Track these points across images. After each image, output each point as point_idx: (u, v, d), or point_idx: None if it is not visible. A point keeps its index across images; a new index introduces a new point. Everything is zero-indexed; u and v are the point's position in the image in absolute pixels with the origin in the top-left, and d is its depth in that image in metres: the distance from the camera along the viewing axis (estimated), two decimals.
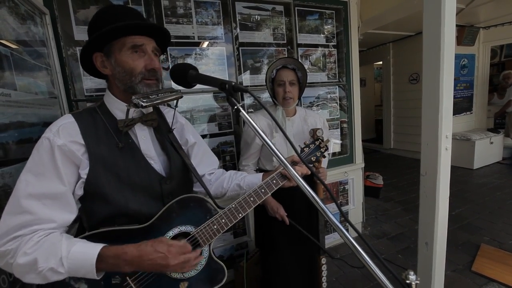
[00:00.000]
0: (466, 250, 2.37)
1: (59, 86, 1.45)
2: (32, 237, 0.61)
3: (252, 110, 2.07)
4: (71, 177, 0.69)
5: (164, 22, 1.77)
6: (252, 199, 0.86)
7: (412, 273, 0.49)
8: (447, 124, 1.13)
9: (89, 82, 1.60)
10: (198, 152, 1.00)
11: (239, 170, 1.39)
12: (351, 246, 0.58)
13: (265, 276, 1.58)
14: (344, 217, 0.97)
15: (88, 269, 0.61)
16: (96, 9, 1.55)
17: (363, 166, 2.56)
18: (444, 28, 1.09)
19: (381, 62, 6.28)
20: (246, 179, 1.00)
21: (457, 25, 4.78)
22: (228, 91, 0.64)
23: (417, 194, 3.66)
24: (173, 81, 0.77)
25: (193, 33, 1.88)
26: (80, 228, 0.80)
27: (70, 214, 0.69)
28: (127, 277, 0.69)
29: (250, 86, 2.09)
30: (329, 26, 2.36)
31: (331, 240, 2.51)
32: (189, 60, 1.88)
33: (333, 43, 2.39)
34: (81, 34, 1.55)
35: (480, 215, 2.98)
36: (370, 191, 3.47)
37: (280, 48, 2.16)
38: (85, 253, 0.62)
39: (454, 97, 4.91)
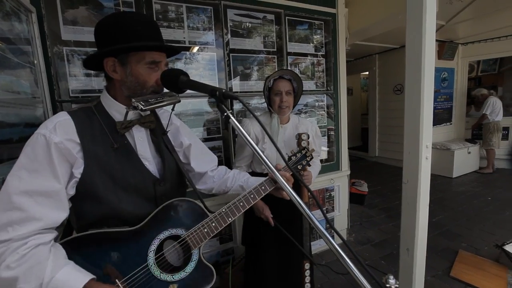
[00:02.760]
0: (445, 256, 2.46)
1: (43, 85, 1.41)
2: (18, 247, 0.58)
3: (241, 117, 2.09)
4: (65, 175, 0.67)
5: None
6: (241, 204, 0.87)
7: (391, 277, 0.51)
8: (428, 134, 1.18)
9: (75, 83, 1.57)
10: (196, 152, 1.01)
11: None
12: (334, 252, 0.60)
13: (248, 276, 1.58)
14: (329, 224, 0.99)
15: None
16: (86, 10, 1.55)
17: (349, 173, 2.62)
18: (424, 43, 1.15)
19: (367, 73, 6.48)
20: (249, 181, 1.02)
21: (437, 40, 5.05)
22: (219, 98, 0.65)
23: (400, 201, 3.76)
24: (164, 86, 0.77)
25: (184, 37, 1.88)
26: (67, 229, 0.77)
27: (63, 212, 0.66)
28: (117, 280, 0.67)
29: (240, 92, 2.10)
30: (318, 36, 2.42)
31: (317, 246, 2.53)
32: (180, 64, 1.88)
33: (321, 53, 2.45)
34: (68, 34, 1.52)
35: (458, 222, 3.10)
36: (355, 198, 3.53)
37: (270, 56, 2.19)
38: (67, 285, 0.58)
39: (435, 108, 5.16)
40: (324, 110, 2.47)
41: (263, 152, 1.36)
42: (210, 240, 2.02)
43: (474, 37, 5.17)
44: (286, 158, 1.17)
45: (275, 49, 2.21)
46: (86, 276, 0.60)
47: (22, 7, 1.29)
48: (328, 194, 2.47)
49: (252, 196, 0.89)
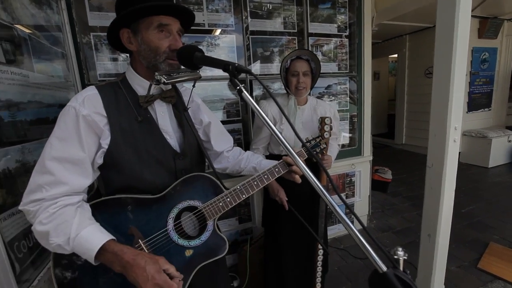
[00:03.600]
0: (474, 248, 2.33)
1: (74, 70, 1.51)
2: (49, 206, 0.66)
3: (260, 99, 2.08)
4: (92, 146, 0.73)
5: None
6: (255, 183, 0.90)
7: (400, 249, 0.51)
8: (457, 116, 1.11)
9: (102, 67, 1.65)
10: (215, 131, 1.04)
11: None
12: (349, 231, 0.60)
13: (266, 256, 1.62)
14: (348, 208, 0.98)
15: (88, 256, 0.65)
16: None
17: (371, 159, 2.54)
18: (458, 18, 1.06)
19: (396, 55, 6.09)
20: (262, 163, 1.04)
21: (479, 17, 4.59)
22: (232, 72, 0.65)
23: None
24: (180, 63, 0.79)
25: (204, 20, 1.88)
26: (96, 195, 0.84)
27: (86, 179, 0.72)
28: (139, 240, 0.73)
29: (260, 75, 2.09)
30: (341, 16, 2.31)
31: (335, 231, 2.52)
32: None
33: (345, 33, 2.34)
34: (95, 20, 1.59)
35: (492, 213, 2.91)
36: (378, 185, 3.43)
37: (290, 37, 2.14)
38: (89, 242, 0.64)
39: (472, 93, 4.76)
40: (347, 94, 2.38)
41: (280, 133, 1.36)
42: (229, 220, 2.09)
43: None
44: (311, 139, 1.16)
45: (295, 30, 2.15)
46: (106, 237, 0.66)
47: None
48: (349, 179, 2.43)
49: (266, 176, 0.91)
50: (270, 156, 1.55)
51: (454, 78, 1.07)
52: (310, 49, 2.20)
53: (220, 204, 0.84)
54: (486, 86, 4.90)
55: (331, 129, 1.27)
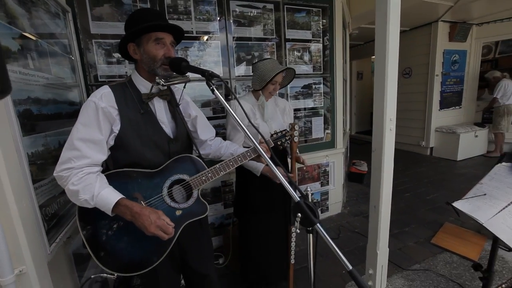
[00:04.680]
0: (431, 227, 2.67)
1: (79, 73, 1.74)
2: (78, 172, 0.91)
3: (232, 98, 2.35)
4: (107, 131, 0.98)
5: (167, 19, 2.04)
6: (231, 163, 1.16)
7: (308, 188, 0.78)
8: (391, 108, 1.40)
9: (101, 70, 1.89)
10: (200, 123, 1.32)
11: None
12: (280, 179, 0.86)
13: (243, 241, 1.87)
14: (293, 184, 1.25)
15: (106, 208, 0.91)
16: (109, 7, 1.85)
17: (344, 151, 2.85)
18: (388, 27, 1.35)
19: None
20: (238, 150, 1.31)
21: (449, 22, 4.97)
22: (207, 77, 0.92)
23: (399, 182, 3.96)
24: (171, 70, 1.05)
25: (192, 28, 2.14)
26: (105, 171, 1.09)
27: (103, 155, 0.98)
28: (141, 201, 0.99)
29: (243, 76, 2.36)
30: (315, 23, 2.60)
31: None
32: (189, 52, 2.15)
33: (319, 39, 2.63)
34: (95, 28, 1.83)
35: (452, 200, 3.25)
36: (355, 177, 3.76)
37: (269, 43, 2.42)
38: (108, 198, 0.90)
39: (444, 92, 5.16)
40: (321, 93, 2.68)
41: (257, 127, 1.63)
42: (215, 205, 2.36)
43: (490, 16, 4.98)
44: (273, 132, 1.43)
45: (274, 36, 2.43)
46: (120, 195, 0.93)
47: (60, 7, 1.60)
48: (323, 169, 2.73)
49: (239, 159, 1.18)
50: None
51: (387, 79, 1.37)
52: (287, 52, 2.48)
53: (203, 178, 1.11)
54: (456, 86, 5.31)
55: (299, 133, 1.56)
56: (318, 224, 0.72)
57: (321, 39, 2.64)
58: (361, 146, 6.39)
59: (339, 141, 2.76)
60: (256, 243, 1.78)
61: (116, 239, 0.98)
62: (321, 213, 2.85)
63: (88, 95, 1.73)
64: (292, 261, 1.72)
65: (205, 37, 2.20)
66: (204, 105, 2.25)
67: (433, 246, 2.37)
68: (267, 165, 1.17)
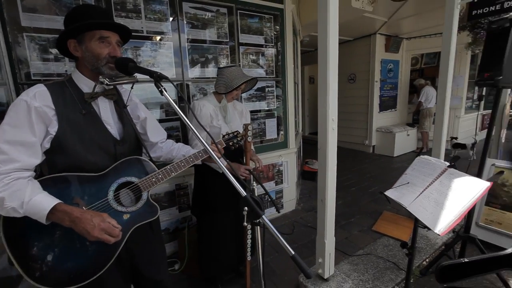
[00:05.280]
0: (373, 216, 2.99)
1: (6, 69, 1.55)
2: (4, 178, 0.82)
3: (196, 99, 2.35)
4: (41, 133, 0.90)
5: (114, 16, 1.93)
6: (182, 164, 1.16)
7: (254, 183, 0.84)
8: (333, 110, 1.56)
9: (35, 67, 1.71)
10: (150, 125, 1.28)
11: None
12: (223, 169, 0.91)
13: (202, 239, 1.88)
14: (256, 180, 1.31)
15: (40, 216, 0.83)
16: None
17: (296, 150, 3.02)
18: (329, 37, 1.51)
19: None
20: (190, 152, 1.30)
21: (384, 35, 5.62)
22: (155, 78, 0.92)
23: (346, 178, 4.30)
24: (118, 70, 1.01)
25: (142, 27, 2.07)
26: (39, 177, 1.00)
27: (35, 159, 0.90)
28: (83, 207, 0.93)
29: (198, 78, 2.36)
30: (268, 29, 2.72)
31: (267, 214, 2.92)
32: (141, 52, 2.07)
33: (271, 44, 2.76)
34: (27, 20, 1.65)
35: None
36: (308, 175, 4.00)
37: (223, 46, 2.46)
38: (41, 204, 0.83)
39: (382, 96, 5.79)
40: (274, 96, 2.81)
41: (220, 128, 1.67)
42: (170, 209, 2.30)
43: (416, 32, 5.76)
44: (225, 133, 1.47)
45: (228, 40, 2.48)
46: (56, 200, 0.86)
47: None
48: (277, 168, 2.86)
49: (191, 159, 1.19)
50: None
51: (329, 83, 1.52)
52: (240, 56, 2.55)
53: (153, 179, 1.09)
54: (392, 91, 6.02)
55: (252, 134, 1.64)
56: (263, 216, 0.78)
57: (273, 44, 2.77)
58: (313, 146, 6.77)
59: (292, 141, 2.92)
60: (216, 240, 1.81)
61: (53, 251, 0.90)
62: (276, 211, 2.97)
63: (18, 95, 1.55)
64: (249, 258, 1.78)
65: (158, 37, 2.14)
66: (156, 107, 2.19)
67: (373, 233, 2.66)
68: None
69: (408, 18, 5.00)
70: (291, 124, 2.91)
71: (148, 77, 0.94)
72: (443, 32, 2.61)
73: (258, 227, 1.04)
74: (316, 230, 1.85)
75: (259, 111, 2.78)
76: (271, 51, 2.78)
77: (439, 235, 1.19)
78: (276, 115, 2.85)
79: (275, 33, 2.77)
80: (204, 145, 0.93)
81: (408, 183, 1.51)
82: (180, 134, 2.29)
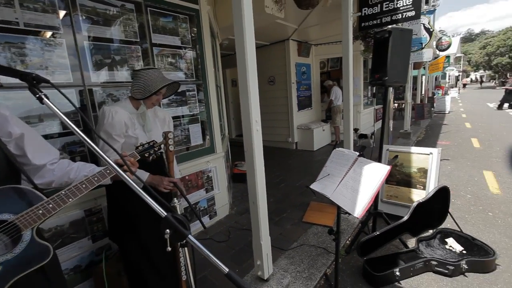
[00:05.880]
0: (302, 208, 3.20)
1: None
2: None
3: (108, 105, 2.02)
4: None
5: None
6: (84, 186, 0.93)
7: (175, 199, 0.74)
8: (255, 111, 1.56)
9: None
10: (31, 143, 0.97)
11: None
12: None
13: (128, 264, 1.61)
14: (181, 194, 1.18)
15: None
16: None
17: (224, 154, 2.97)
18: (246, 44, 1.50)
19: None
20: (95, 170, 1.05)
21: (296, 41, 6.16)
22: (30, 82, 0.70)
23: (275, 175, 4.48)
24: None
25: (17, 18, 1.64)
26: None
27: None
28: None
29: (105, 82, 2.03)
30: (183, 30, 2.57)
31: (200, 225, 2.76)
32: (14, 51, 1.63)
33: (189, 46, 2.62)
34: None
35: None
36: (238, 177, 4.00)
37: (132, 46, 2.19)
38: None
39: (299, 96, 6.31)
40: (196, 100, 2.68)
41: (137, 138, 1.44)
42: (79, 242, 1.89)
43: (322, 39, 6.52)
44: (139, 144, 1.28)
45: (138, 39, 2.22)
46: None
47: None
48: (206, 175, 2.74)
49: (96, 179, 0.96)
50: None
51: (249, 86, 1.51)
52: (155, 58, 2.33)
53: (40, 211, 0.83)
54: (307, 91, 6.65)
55: (174, 142, 1.49)
56: (190, 236, 0.68)
57: (192, 47, 2.64)
58: (241, 148, 6.83)
59: (218, 145, 2.85)
60: (145, 261, 1.56)
61: None
62: (210, 219, 2.85)
63: None
64: (184, 278, 1.62)
65: (49, 34, 1.74)
66: (52, 118, 1.77)
67: (304, 224, 2.84)
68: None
69: (314, 27, 5.62)
70: (216, 128, 2.83)
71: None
72: (342, 40, 3.01)
73: (185, 248, 0.92)
74: (250, 230, 1.83)
75: (182, 116, 2.61)
76: (190, 54, 2.64)
77: (358, 218, 1.32)
78: (200, 119, 2.73)
79: (193, 35, 2.65)
80: (108, 162, 0.77)
81: (329, 174, 1.64)
82: (85, 149, 1.92)
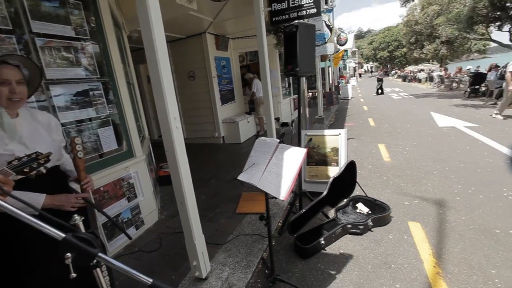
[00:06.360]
0: (235, 201, 3.24)
1: None
2: None
3: None
4: None
5: None
6: None
7: (76, 215, 0.64)
8: (173, 108, 1.47)
9: None
10: None
11: None
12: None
13: None
14: (96, 208, 1.01)
15: None
16: None
17: (145, 158, 2.73)
18: (155, 38, 1.38)
19: None
20: None
21: (214, 34, 6.08)
22: None
23: (204, 172, 4.40)
24: None
25: None
26: None
27: None
28: None
29: None
30: (77, 18, 2.19)
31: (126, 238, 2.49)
32: None
33: (86, 37, 2.25)
34: None
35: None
36: (165, 180, 3.75)
37: (3, 35, 1.74)
38: None
39: (221, 90, 6.30)
40: (104, 99, 2.35)
41: (12, 154, 1.10)
42: None
43: (239, 33, 6.58)
44: (22, 157, 1.01)
45: (10, 27, 1.78)
46: None
47: None
48: (126, 182, 2.47)
49: None
50: None
51: (163, 81, 1.41)
52: (40, 51, 1.92)
53: None
54: (229, 85, 6.69)
55: (83, 148, 1.25)
56: (100, 254, 0.59)
57: (90, 38, 2.27)
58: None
59: (138, 148, 2.59)
60: None
61: None
62: (136, 229, 2.59)
63: None
64: None
65: None
66: None
67: (238, 215, 2.89)
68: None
69: (230, 20, 5.65)
70: (133, 129, 2.56)
71: None
72: (257, 34, 3.12)
73: (98, 269, 0.80)
74: (184, 233, 1.75)
75: (89, 120, 2.25)
76: (90, 47, 2.27)
77: (283, 200, 1.42)
78: (113, 122, 2.40)
79: (92, 25, 2.28)
80: None
81: (254, 164, 1.70)
82: None
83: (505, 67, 7.40)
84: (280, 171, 1.50)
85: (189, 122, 6.50)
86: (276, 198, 1.45)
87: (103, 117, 2.33)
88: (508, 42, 9.55)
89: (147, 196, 2.70)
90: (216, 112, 6.06)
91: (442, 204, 2.89)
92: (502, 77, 7.64)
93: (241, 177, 1.70)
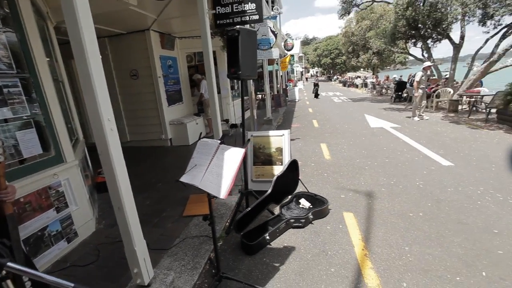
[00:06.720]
0: (182, 204, 3.18)
1: None
2: None
3: None
4: None
5: None
6: None
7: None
8: (106, 109, 1.39)
9: None
10: None
11: None
12: None
13: None
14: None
15: None
16: None
17: (78, 163, 2.49)
18: (82, 30, 1.30)
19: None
20: None
21: (158, 32, 5.82)
22: None
23: (150, 176, 4.19)
24: None
25: None
26: None
27: None
28: None
29: None
30: None
31: (56, 252, 2.24)
32: None
33: None
34: None
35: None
36: (103, 186, 3.44)
37: None
38: None
39: (168, 91, 6.07)
40: (23, 98, 2.07)
41: None
42: None
43: (186, 33, 6.42)
44: None
45: None
46: None
47: None
48: (55, 191, 2.21)
49: None
50: None
51: (94, 80, 1.33)
52: None
53: None
54: (176, 86, 6.48)
55: (4, 151, 1.10)
56: (9, 263, 0.55)
57: (2, 26, 1.98)
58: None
59: (69, 153, 2.35)
60: None
61: None
62: (68, 242, 2.34)
63: None
64: None
65: None
66: None
67: (185, 218, 2.84)
68: None
69: (176, 19, 5.48)
70: (63, 132, 2.31)
71: None
72: (201, 35, 3.11)
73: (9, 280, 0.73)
74: (123, 240, 1.66)
75: (5, 121, 1.96)
76: (3, 36, 1.98)
77: (224, 198, 1.47)
78: (36, 124, 2.13)
79: (6, 10, 1.99)
80: None
81: (196, 165, 1.71)
82: None
83: (413, 76, 8.88)
84: (221, 171, 1.55)
85: (133, 124, 6.07)
86: (216, 197, 1.49)
87: (24, 118, 2.05)
88: (421, 57, 11.41)
89: (81, 205, 2.46)
90: (163, 113, 5.80)
91: (371, 195, 3.30)
92: (411, 85, 9.10)
93: (183, 179, 1.70)
